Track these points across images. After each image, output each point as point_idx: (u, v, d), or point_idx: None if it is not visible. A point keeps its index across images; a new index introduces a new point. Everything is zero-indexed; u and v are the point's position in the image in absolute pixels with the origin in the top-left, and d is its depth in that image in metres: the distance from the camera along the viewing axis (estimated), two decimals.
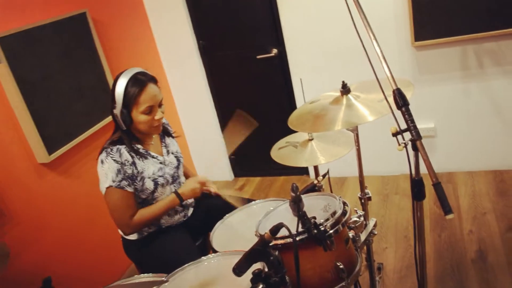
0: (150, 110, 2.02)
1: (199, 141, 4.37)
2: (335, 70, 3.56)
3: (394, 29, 3.30)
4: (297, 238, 1.50)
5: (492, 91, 3.30)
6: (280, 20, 3.59)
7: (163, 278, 1.57)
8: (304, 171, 4.13)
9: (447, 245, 2.85)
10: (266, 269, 1.37)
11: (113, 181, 1.99)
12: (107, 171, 1.99)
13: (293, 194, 1.48)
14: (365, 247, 2.17)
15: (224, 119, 4.23)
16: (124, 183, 2.01)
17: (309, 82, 3.58)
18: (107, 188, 2.00)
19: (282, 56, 3.75)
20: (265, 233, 1.33)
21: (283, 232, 1.45)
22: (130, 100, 1.97)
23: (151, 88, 2.01)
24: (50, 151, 2.71)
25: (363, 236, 1.96)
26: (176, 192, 2.16)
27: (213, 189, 2.26)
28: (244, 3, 3.72)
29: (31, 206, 2.64)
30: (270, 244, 1.36)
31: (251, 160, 4.38)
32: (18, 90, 2.54)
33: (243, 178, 4.46)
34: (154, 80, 2.06)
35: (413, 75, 3.41)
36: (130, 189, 2.03)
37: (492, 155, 3.51)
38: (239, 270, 1.31)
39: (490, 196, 3.25)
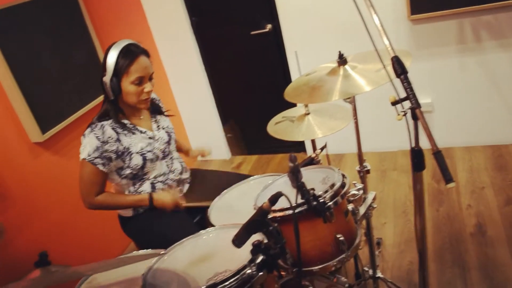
0: (140, 81, 2.01)
1: (195, 120, 4.33)
2: (330, 44, 3.50)
3: (389, 2, 3.24)
4: (296, 210, 1.48)
5: (489, 65, 3.26)
6: None
7: (162, 252, 1.56)
8: (301, 148, 4.10)
9: (445, 220, 2.85)
10: (266, 241, 1.35)
11: (88, 155, 2.01)
12: (86, 144, 2.02)
13: (291, 164, 1.45)
14: (364, 222, 2.16)
15: (219, 98, 4.19)
16: (98, 161, 2.02)
17: (305, 57, 3.53)
18: (82, 160, 2.04)
19: (277, 31, 3.69)
20: (264, 202, 1.30)
21: (282, 204, 1.43)
22: (121, 69, 1.96)
23: (143, 59, 2.00)
24: (44, 130, 2.68)
25: (362, 209, 1.94)
26: (151, 194, 2.13)
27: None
28: None
29: (26, 185, 2.62)
30: (269, 217, 1.33)
31: (248, 138, 4.36)
32: (8, 69, 2.49)
33: (240, 157, 4.43)
34: (146, 53, 2.05)
35: (410, 49, 3.35)
36: (102, 168, 2.04)
37: (490, 130, 3.49)
38: (238, 241, 1.29)
39: (488, 170, 3.24)
